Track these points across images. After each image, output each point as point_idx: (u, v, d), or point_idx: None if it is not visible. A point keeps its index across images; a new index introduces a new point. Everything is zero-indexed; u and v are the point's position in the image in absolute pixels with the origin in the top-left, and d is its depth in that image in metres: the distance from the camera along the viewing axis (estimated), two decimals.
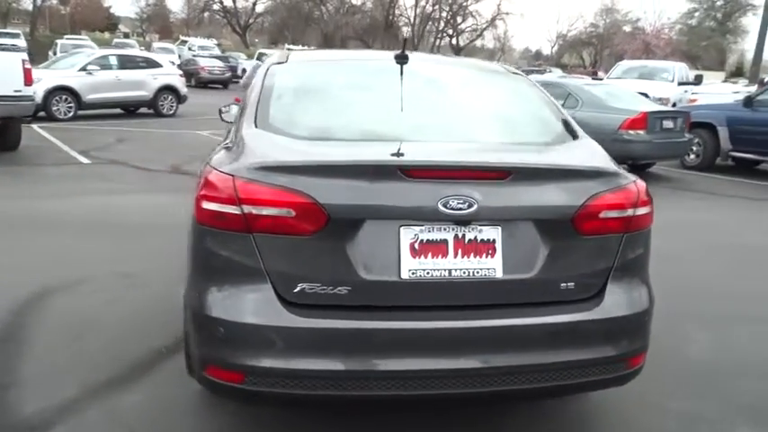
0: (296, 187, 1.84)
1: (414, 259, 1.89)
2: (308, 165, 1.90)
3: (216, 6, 55.83)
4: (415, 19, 52.69)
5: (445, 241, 1.91)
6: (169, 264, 4.30)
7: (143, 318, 3.41)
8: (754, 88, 12.23)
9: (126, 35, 58.73)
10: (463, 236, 1.91)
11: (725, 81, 24.74)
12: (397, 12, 52.76)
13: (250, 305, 1.89)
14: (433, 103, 2.56)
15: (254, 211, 1.86)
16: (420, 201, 1.87)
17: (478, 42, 58.20)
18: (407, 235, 1.89)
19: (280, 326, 1.86)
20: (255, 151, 2.02)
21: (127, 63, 14.35)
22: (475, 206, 1.86)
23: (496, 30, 56.84)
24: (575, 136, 2.39)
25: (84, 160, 8.52)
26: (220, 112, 4.46)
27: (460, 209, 1.86)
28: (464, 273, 1.91)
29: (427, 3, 51.87)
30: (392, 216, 1.88)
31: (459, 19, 55.38)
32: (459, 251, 1.91)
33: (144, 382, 2.77)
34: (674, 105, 12.78)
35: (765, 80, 12.16)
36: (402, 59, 2.59)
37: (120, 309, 3.55)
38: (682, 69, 15.94)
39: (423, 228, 1.89)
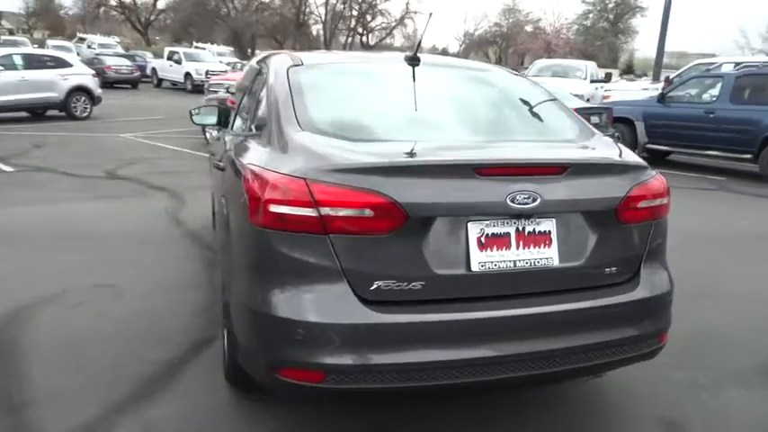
0: (374, 188, 1.89)
1: (481, 252, 2.00)
2: (384, 166, 1.95)
3: (113, 2, 52.86)
4: (326, 17, 52.50)
5: (508, 234, 2.03)
6: (145, 272, 4.17)
7: (136, 330, 3.29)
8: (660, 85, 13.32)
9: (10, 32, 54.29)
10: (524, 228, 2.04)
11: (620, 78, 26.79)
12: (307, 10, 52.34)
13: (330, 305, 1.93)
14: (462, 104, 2.68)
15: (332, 212, 1.89)
16: (489, 197, 1.98)
17: (389, 41, 58.91)
18: (475, 230, 2.00)
19: (360, 323, 1.91)
20: (322, 154, 2.03)
21: (33, 62, 13.36)
22: (538, 200, 2.00)
23: (406, 28, 57.80)
24: (592, 133, 2.58)
25: (7, 168, 7.91)
26: (191, 113, 4.37)
27: (526, 203, 1.99)
28: (526, 263, 2.04)
29: (338, 1, 51.84)
30: (462, 212, 1.98)
31: (368, 17, 55.77)
32: (521, 243, 2.04)
33: (168, 395, 2.69)
34: (587, 101, 13.64)
35: (671, 78, 13.26)
36: (414, 61, 2.69)
37: (110, 321, 3.40)
38: (592, 68, 17.05)
39: (488, 222, 2.01)
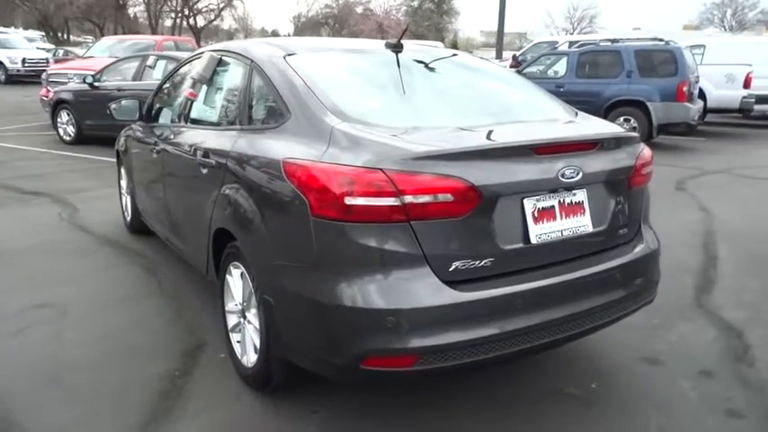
0: (453, 173, 1.97)
1: (536, 225, 2.18)
2: (458, 151, 2.02)
3: None
4: None
5: (553, 207, 2.23)
6: (80, 288, 3.79)
7: (111, 349, 3.02)
8: (505, 63, 14.49)
9: None
10: (564, 200, 2.25)
11: None
12: None
13: (417, 290, 1.97)
14: (463, 88, 2.82)
15: (414, 200, 1.94)
16: (545, 173, 2.16)
17: (218, 23, 56.49)
18: (529, 205, 2.16)
19: (446, 304, 1.98)
20: (386, 143, 2.05)
21: None
22: (580, 174, 2.22)
23: (236, 10, 55.81)
24: (573, 110, 2.87)
25: None
26: (110, 108, 4.08)
27: (572, 177, 2.20)
28: (570, 231, 2.26)
29: None
30: (522, 189, 2.13)
31: None
32: (563, 213, 2.25)
33: (187, 409, 2.52)
34: None
35: (517, 56, 14.46)
36: (398, 48, 2.79)
37: (75, 345, 3.06)
38: (440, 47, 17.94)
39: (539, 197, 2.18)
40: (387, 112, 2.44)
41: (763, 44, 13.27)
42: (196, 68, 3.29)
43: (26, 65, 21.32)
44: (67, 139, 9.48)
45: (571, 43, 13.44)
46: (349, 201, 1.95)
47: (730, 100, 11.50)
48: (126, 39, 15.68)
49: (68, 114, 9.39)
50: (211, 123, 3.08)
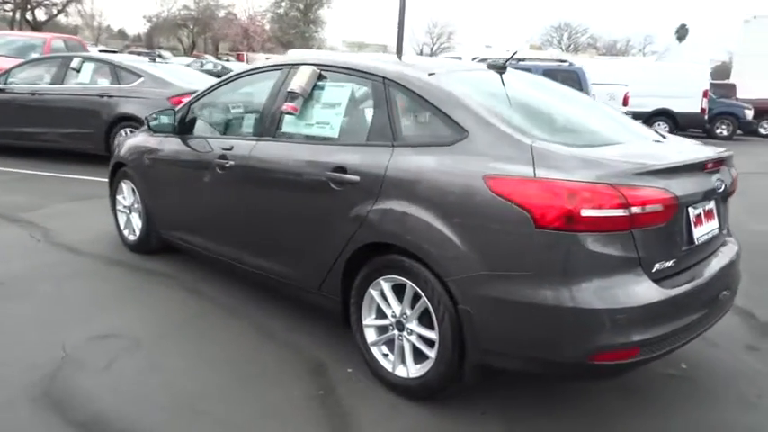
0: (660, 186, 2.27)
1: (696, 229, 2.53)
2: (663, 167, 2.34)
3: None
4: None
5: (700, 214, 2.59)
6: (128, 312, 3.49)
7: (223, 373, 2.87)
8: None
9: None
10: (705, 209, 2.63)
11: None
12: None
13: (638, 290, 2.23)
14: (572, 105, 3.14)
15: (638, 210, 2.19)
16: (707, 185, 2.53)
17: (63, 19, 51.57)
18: (693, 212, 2.51)
19: (658, 300, 2.26)
20: (600, 161, 2.28)
21: None
22: (724, 186, 2.62)
23: (82, 5, 51.36)
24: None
25: None
26: (148, 121, 3.87)
27: (720, 188, 2.60)
28: (710, 234, 2.65)
29: None
30: (693, 199, 2.47)
31: None
32: (704, 219, 2.62)
33: (362, 428, 2.52)
34: None
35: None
36: (503, 70, 3.02)
37: (176, 370, 2.87)
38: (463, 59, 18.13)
39: (696, 205, 2.54)
40: (542, 128, 2.63)
41: (635, 66, 15.24)
42: (290, 83, 3.20)
43: None
44: None
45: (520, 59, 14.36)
46: (584, 213, 2.15)
47: None
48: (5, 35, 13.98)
49: None
50: (328, 139, 3.03)
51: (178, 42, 58.41)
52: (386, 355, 2.78)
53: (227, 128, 3.80)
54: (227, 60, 37.13)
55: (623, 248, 2.21)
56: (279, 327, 3.40)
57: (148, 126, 3.96)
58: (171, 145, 3.95)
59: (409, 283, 2.58)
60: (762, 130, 17.93)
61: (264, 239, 3.32)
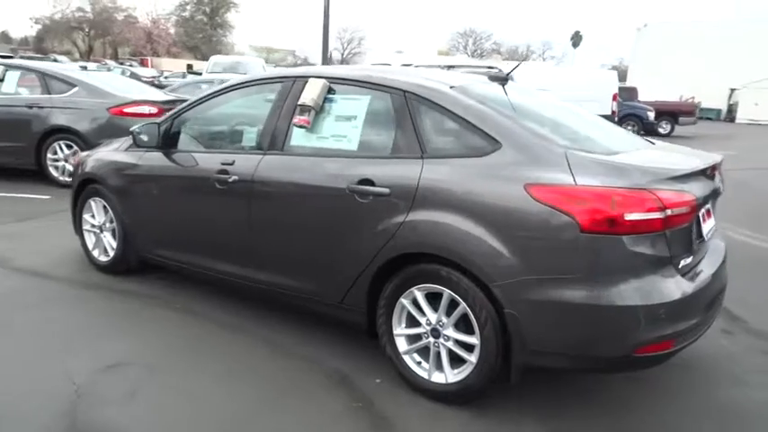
0: (689, 190, 2.49)
1: (703, 225, 2.78)
2: (687, 173, 2.56)
3: None
4: None
5: (704, 214, 2.84)
6: (128, 339, 3.38)
7: (251, 394, 2.82)
8: None
9: None
10: (707, 208, 2.89)
11: None
12: None
13: (672, 285, 2.41)
14: (571, 116, 3.32)
15: (671, 212, 2.38)
16: (713, 187, 2.78)
17: None
18: (702, 211, 2.75)
19: (688, 293, 2.46)
20: (631, 167, 2.46)
21: None
22: (722, 187, 2.89)
23: None
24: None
25: None
26: (134, 134, 3.73)
27: (719, 189, 2.86)
28: (711, 230, 2.91)
29: None
30: (704, 200, 2.70)
31: None
32: (706, 218, 2.88)
33: None
34: None
35: None
36: (505, 81, 3.17)
37: (200, 399, 2.78)
38: (261, 63, 17.78)
39: (702, 206, 2.78)
40: (565, 137, 2.79)
41: (551, 71, 16.08)
42: (301, 96, 3.16)
43: None
44: None
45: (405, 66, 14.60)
46: (627, 216, 2.31)
47: None
48: None
49: None
50: (346, 152, 3.01)
51: (73, 46, 54.99)
52: (419, 363, 2.82)
53: (224, 142, 3.69)
54: (131, 65, 35.53)
55: (659, 248, 2.39)
56: (288, 341, 3.35)
57: (134, 141, 3.76)
58: (155, 160, 3.77)
59: (447, 290, 2.65)
60: (661, 130, 19.47)
61: (277, 254, 3.26)
